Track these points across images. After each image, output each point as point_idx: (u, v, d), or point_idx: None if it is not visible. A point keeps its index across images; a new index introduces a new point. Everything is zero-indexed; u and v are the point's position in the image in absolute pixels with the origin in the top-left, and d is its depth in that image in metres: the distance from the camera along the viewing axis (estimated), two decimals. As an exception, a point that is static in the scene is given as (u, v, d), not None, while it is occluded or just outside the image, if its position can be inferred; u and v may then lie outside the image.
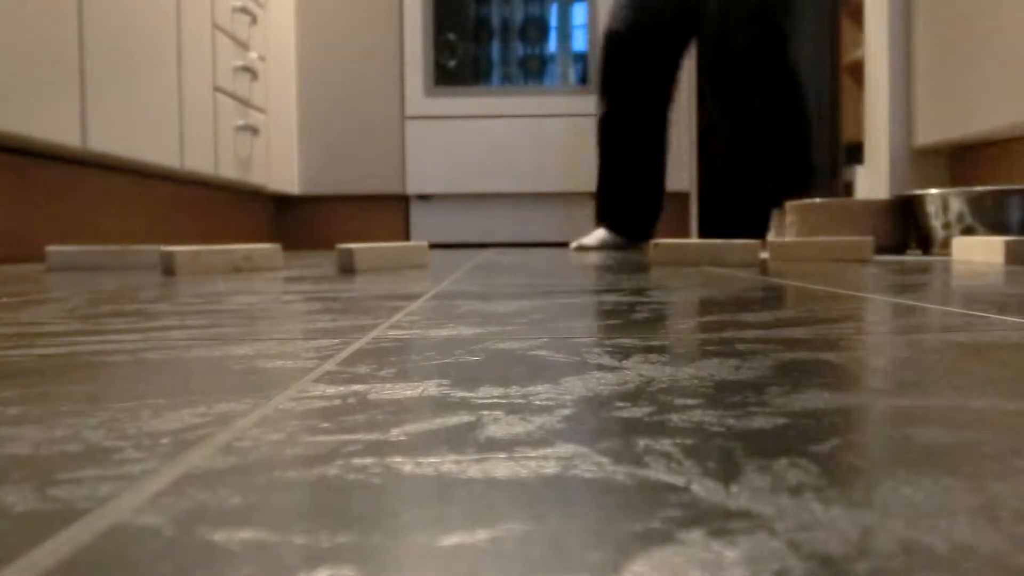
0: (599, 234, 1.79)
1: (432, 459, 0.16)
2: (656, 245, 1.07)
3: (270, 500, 0.14)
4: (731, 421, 0.19)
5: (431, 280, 0.75)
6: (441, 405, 0.21)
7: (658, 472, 0.15)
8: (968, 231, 1.29)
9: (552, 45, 2.71)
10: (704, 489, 0.14)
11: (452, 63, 2.64)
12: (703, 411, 0.20)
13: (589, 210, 2.78)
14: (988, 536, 0.12)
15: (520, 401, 0.21)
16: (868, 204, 1.49)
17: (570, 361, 0.28)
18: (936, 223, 1.35)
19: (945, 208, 1.33)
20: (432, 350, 0.31)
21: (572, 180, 2.73)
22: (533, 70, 2.68)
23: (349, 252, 0.92)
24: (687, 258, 1.05)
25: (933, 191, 1.37)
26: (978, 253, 1.07)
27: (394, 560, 0.11)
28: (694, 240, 1.23)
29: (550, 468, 0.15)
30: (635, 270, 0.92)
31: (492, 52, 2.68)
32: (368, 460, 0.16)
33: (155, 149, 1.68)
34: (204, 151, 1.93)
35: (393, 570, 0.11)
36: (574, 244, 1.75)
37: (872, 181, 1.93)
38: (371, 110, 2.67)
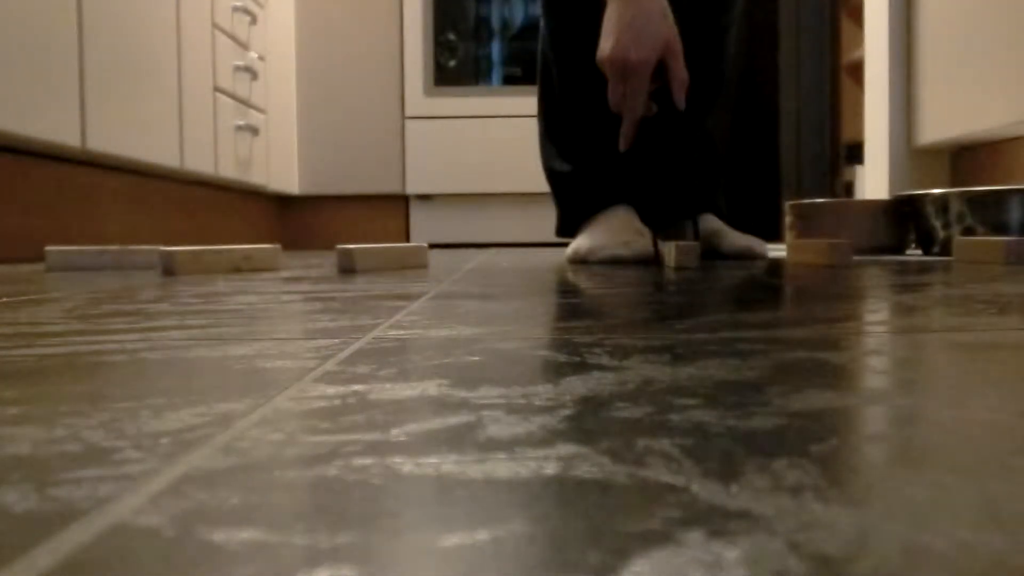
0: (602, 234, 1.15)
1: (432, 459, 0.16)
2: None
3: (270, 500, 0.14)
4: (731, 421, 0.19)
5: (431, 280, 0.75)
6: (441, 405, 0.21)
7: (658, 472, 0.15)
8: (968, 231, 1.29)
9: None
10: (704, 489, 0.14)
11: (452, 63, 2.64)
12: (703, 411, 0.20)
13: (589, 210, 2.78)
14: (989, 536, 0.12)
15: (520, 401, 0.21)
16: (868, 204, 1.49)
17: (570, 361, 0.28)
18: (936, 223, 1.35)
19: (945, 208, 1.33)
20: (432, 350, 0.31)
21: (572, 180, 2.72)
22: (533, 70, 2.68)
23: (349, 252, 0.92)
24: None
25: (933, 191, 1.37)
26: (978, 253, 1.07)
27: (394, 560, 0.11)
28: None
29: (550, 468, 0.15)
30: (634, 269, 0.92)
31: (492, 52, 2.68)
32: (368, 460, 0.16)
33: (155, 149, 1.68)
34: (204, 151, 1.93)
35: (393, 570, 0.11)
36: (570, 250, 1.18)
37: (872, 181, 1.93)
38: (371, 110, 2.67)
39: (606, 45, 0.99)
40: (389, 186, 2.70)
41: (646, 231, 1.17)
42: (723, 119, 1.37)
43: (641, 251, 1.11)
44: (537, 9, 2.75)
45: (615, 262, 1.10)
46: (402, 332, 0.36)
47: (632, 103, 1.00)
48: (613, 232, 1.14)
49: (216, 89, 2.00)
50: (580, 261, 1.16)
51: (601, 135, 1.22)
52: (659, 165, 1.34)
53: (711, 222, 1.28)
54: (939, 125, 1.70)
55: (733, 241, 1.22)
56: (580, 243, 1.18)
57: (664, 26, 0.98)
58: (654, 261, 1.11)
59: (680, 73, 1.00)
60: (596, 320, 0.40)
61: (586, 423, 0.19)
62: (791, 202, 1.58)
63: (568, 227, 1.25)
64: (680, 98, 1.02)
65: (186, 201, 2.00)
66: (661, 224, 1.34)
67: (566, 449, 0.17)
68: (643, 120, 1.33)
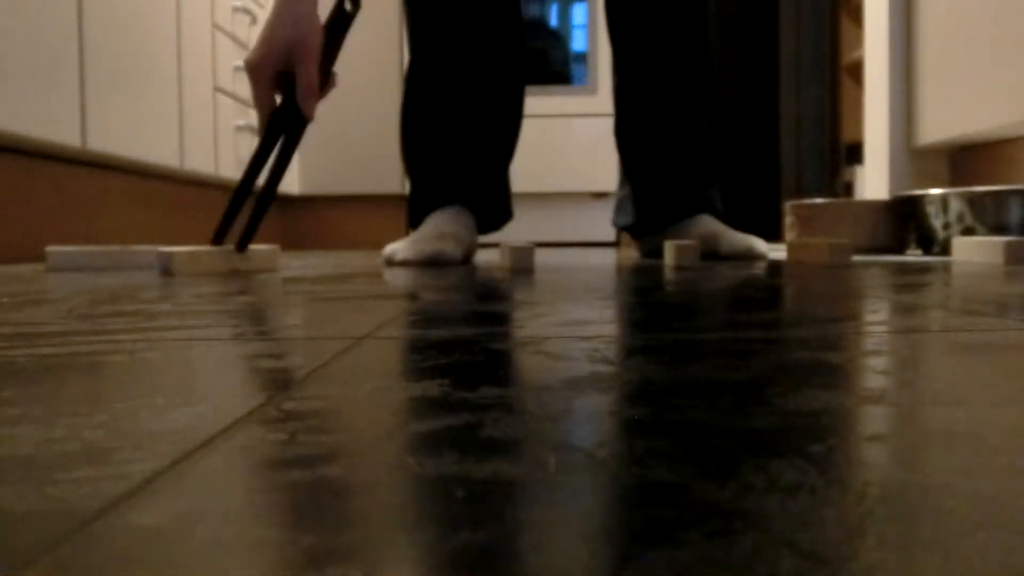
0: (428, 235, 1.15)
1: (433, 459, 0.16)
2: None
3: (270, 500, 0.14)
4: (731, 421, 0.19)
5: (431, 280, 0.75)
6: (441, 405, 0.21)
7: (658, 472, 0.15)
8: (968, 231, 1.29)
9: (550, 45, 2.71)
10: (703, 489, 0.14)
11: (452, 63, 2.64)
12: (703, 411, 0.20)
13: (588, 209, 2.78)
14: (988, 536, 0.12)
15: (520, 401, 0.21)
16: (868, 204, 1.49)
17: (570, 361, 0.28)
18: (936, 223, 1.35)
19: (945, 208, 1.33)
20: (432, 350, 0.31)
21: (572, 180, 2.72)
22: (533, 69, 2.68)
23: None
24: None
25: (933, 191, 1.37)
26: (978, 253, 1.07)
27: (395, 560, 0.11)
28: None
29: (550, 468, 0.15)
30: (629, 270, 0.93)
31: (492, 52, 2.67)
32: (368, 460, 0.16)
33: (155, 149, 1.68)
34: (204, 151, 1.93)
35: (394, 570, 0.11)
36: (387, 249, 1.17)
37: (872, 181, 1.93)
38: (371, 110, 2.67)
39: None
40: (389, 186, 2.70)
41: (466, 236, 1.17)
42: (711, 116, 1.36)
43: (433, 255, 1.08)
44: (536, 9, 2.74)
45: (406, 264, 1.08)
46: (402, 332, 0.36)
47: (257, 103, 1.01)
48: (422, 237, 1.14)
49: (216, 89, 2.00)
50: (388, 263, 1.14)
51: (441, 140, 1.22)
52: (655, 164, 1.34)
53: (709, 224, 1.27)
54: (939, 125, 1.70)
55: (733, 242, 1.21)
56: (394, 246, 1.16)
57: (291, 31, 0.98)
58: (464, 262, 1.10)
59: (305, 79, 0.99)
60: (595, 320, 0.40)
61: (586, 423, 0.19)
62: (791, 202, 1.58)
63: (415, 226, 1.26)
64: (305, 105, 1.01)
65: (186, 201, 2.00)
66: (658, 226, 1.34)
67: (566, 449, 0.17)
68: (640, 116, 1.33)
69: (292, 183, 2.62)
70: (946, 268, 0.90)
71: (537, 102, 2.63)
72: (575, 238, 2.78)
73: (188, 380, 0.25)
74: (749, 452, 0.16)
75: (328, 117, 2.67)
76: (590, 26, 2.68)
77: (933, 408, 0.20)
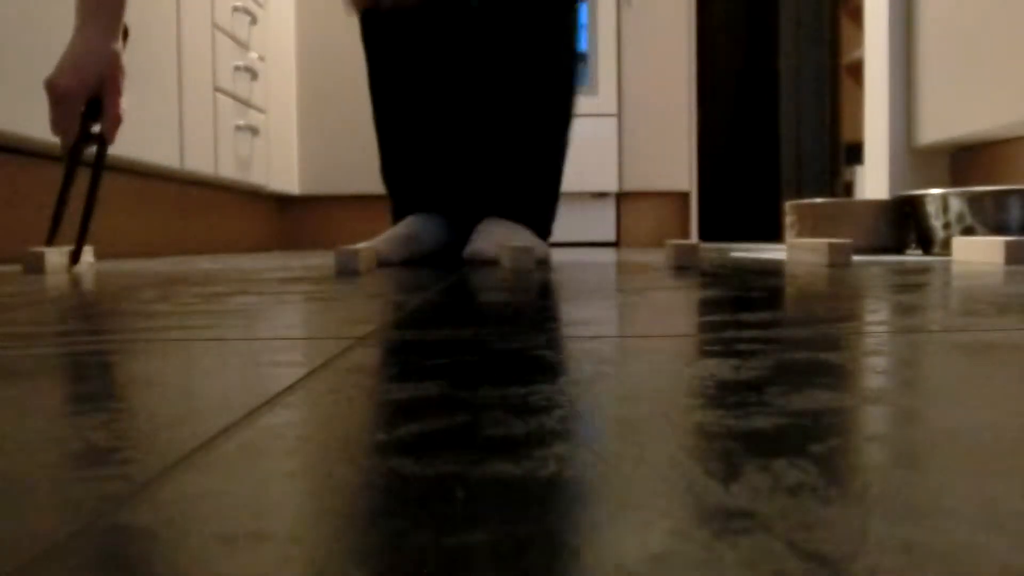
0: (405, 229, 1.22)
1: (432, 459, 0.16)
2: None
3: (270, 500, 0.14)
4: (731, 421, 0.19)
5: (430, 280, 0.75)
6: (441, 405, 0.21)
7: (658, 472, 0.15)
8: (968, 231, 1.29)
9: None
10: (704, 489, 0.14)
11: (452, 63, 2.64)
12: (703, 411, 0.20)
13: (588, 209, 2.79)
14: (988, 536, 0.12)
15: (520, 401, 0.21)
16: (868, 204, 1.49)
17: (569, 361, 0.28)
18: (936, 223, 1.35)
19: (945, 208, 1.33)
20: (432, 350, 0.31)
21: (572, 180, 2.72)
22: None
23: (354, 253, 0.92)
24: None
25: (933, 191, 1.37)
26: (978, 253, 1.07)
27: (395, 560, 0.11)
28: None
29: (550, 468, 0.15)
30: (628, 270, 0.92)
31: (492, 52, 2.67)
32: (368, 460, 0.16)
33: (155, 149, 1.68)
34: (204, 151, 1.93)
35: (394, 571, 0.11)
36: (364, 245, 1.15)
37: (872, 181, 1.93)
38: (370, 110, 2.67)
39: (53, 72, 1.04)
40: (389, 186, 2.69)
41: (424, 240, 1.22)
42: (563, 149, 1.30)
43: (372, 257, 1.08)
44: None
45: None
46: (402, 332, 0.36)
47: (63, 127, 1.04)
48: (383, 239, 1.19)
49: (216, 89, 2.00)
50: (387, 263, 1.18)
51: (411, 152, 1.29)
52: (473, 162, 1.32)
53: (492, 225, 1.21)
54: (939, 125, 1.70)
55: (474, 246, 1.16)
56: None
57: (102, 62, 1.03)
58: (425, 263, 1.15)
59: (111, 110, 1.06)
60: (595, 320, 0.40)
61: (585, 423, 0.19)
62: (791, 202, 1.58)
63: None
64: (112, 134, 1.08)
65: (186, 201, 2.00)
66: (466, 224, 1.29)
67: (565, 449, 0.17)
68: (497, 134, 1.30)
69: (292, 183, 2.62)
70: (946, 268, 0.90)
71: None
72: (575, 238, 2.78)
73: (188, 380, 0.25)
74: (750, 452, 0.16)
75: (328, 117, 2.67)
76: (590, 26, 2.68)
77: (933, 408, 0.20)
